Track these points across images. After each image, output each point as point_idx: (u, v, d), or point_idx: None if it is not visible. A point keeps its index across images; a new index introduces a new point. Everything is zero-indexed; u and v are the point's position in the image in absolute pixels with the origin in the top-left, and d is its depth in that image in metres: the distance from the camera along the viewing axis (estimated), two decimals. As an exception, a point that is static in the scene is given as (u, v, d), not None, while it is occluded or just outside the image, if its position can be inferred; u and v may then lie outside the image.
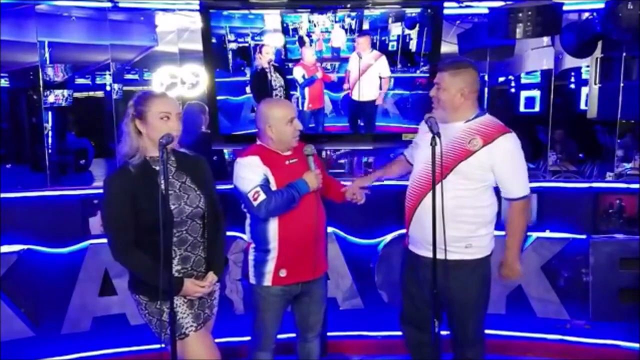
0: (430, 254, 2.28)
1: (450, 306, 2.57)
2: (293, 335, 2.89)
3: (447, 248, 2.26)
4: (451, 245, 2.30)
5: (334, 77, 3.47)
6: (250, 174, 2.57)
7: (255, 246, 2.67)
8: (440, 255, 2.28)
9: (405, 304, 2.78)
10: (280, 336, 2.79)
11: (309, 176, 2.59)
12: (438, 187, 2.22)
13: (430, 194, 2.26)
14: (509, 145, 2.47)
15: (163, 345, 2.22)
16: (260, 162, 2.59)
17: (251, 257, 2.69)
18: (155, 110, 2.22)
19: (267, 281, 2.64)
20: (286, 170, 2.61)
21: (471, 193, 2.49)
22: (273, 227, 2.59)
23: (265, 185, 2.55)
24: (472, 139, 2.46)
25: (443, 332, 2.31)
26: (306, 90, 3.48)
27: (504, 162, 2.47)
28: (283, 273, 2.62)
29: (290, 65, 3.45)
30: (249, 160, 2.61)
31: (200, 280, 2.35)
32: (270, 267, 2.63)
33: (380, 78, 3.45)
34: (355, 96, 3.48)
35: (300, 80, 3.46)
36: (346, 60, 3.46)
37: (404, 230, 3.68)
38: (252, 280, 2.68)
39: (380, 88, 3.48)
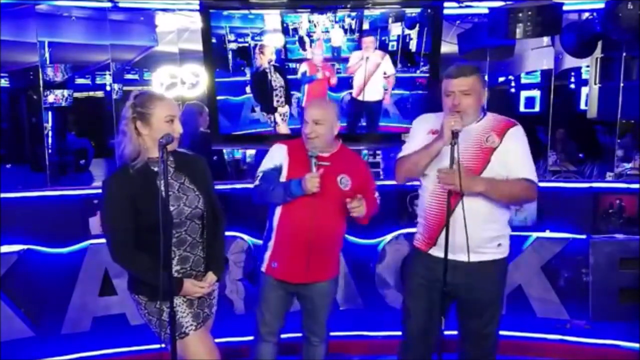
0: (467, 258, 2.37)
1: (476, 306, 2.56)
2: (297, 335, 2.89)
3: (483, 249, 2.45)
4: (487, 246, 2.47)
5: (334, 80, 3.48)
6: (268, 158, 2.67)
7: (267, 231, 2.74)
8: (476, 257, 2.41)
9: (416, 309, 2.63)
10: (283, 335, 2.79)
11: (306, 179, 2.49)
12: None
13: (466, 198, 2.36)
14: (520, 135, 2.50)
15: (163, 345, 2.22)
16: (286, 151, 2.64)
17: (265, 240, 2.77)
18: (161, 113, 2.22)
19: (264, 267, 2.72)
20: (305, 170, 2.52)
21: None
22: (276, 219, 2.65)
23: (270, 174, 2.60)
24: (488, 136, 2.47)
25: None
26: (306, 87, 3.50)
27: (516, 151, 2.48)
28: (274, 265, 2.68)
29: (291, 65, 3.46)
30: (276, 146, 2.70)
31: (199, 280, 2.34)
32: (267, 254, 2.71)
33: (385, 77, 3.46)
34: (360, 96, 3.49)
35: (299, 76, 3.48)
36: (346, 60, 3.46)
37: (404, 230, 3.71)
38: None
39: (386, 87, 3.48)
